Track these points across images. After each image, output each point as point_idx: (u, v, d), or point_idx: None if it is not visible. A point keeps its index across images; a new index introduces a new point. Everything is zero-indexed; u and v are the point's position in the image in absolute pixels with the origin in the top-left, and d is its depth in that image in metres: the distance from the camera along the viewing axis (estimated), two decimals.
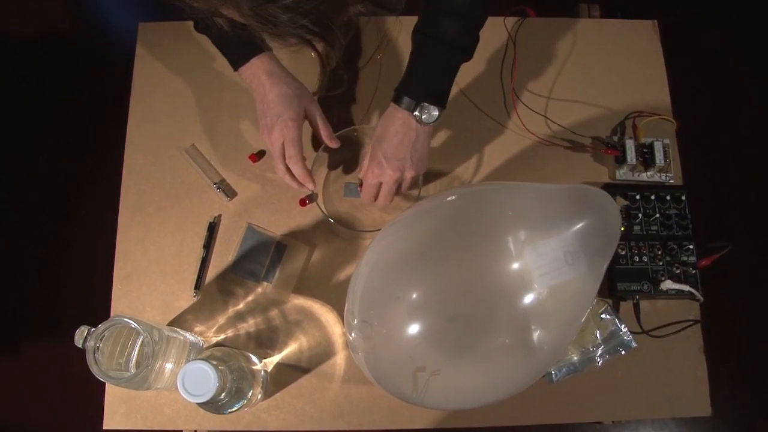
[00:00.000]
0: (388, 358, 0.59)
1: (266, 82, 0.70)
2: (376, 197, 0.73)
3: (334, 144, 0.74)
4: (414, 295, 0.57)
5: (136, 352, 0.61)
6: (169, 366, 0.63)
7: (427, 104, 0.67)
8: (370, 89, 0.86)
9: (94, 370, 0.56)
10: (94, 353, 0.57)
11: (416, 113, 0.67)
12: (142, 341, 0.60)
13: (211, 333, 0.76)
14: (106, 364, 0.58)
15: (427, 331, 0.56)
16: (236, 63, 0.72)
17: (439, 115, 0.68)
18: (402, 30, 0.89)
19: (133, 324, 0.58)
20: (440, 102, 0.68)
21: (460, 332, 0.56)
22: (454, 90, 0.86)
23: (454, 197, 0.63)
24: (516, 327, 0.56)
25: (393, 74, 0.86)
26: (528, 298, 0.55)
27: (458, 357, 0.57)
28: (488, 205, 0.60)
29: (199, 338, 0.74)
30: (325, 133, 0.74)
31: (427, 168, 0.81)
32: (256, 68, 0.71)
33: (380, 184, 0.72)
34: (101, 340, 0.58)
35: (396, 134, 0.68)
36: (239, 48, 0.71)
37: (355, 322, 0.60)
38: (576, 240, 0.56)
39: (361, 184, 0.80)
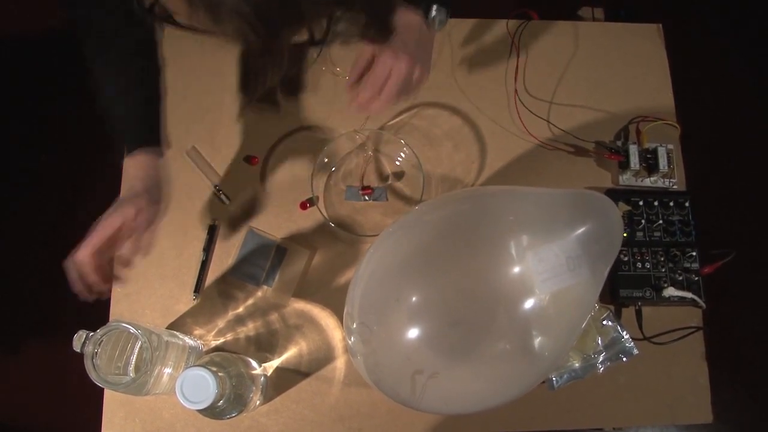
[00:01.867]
0: (386, 361, 0.58)
1: (132, 176, 0.66)
2: (378, 93, 0.64)
3: (130, 257, 0.64)
4: (413, 299, 0.56)
5: (134, 356, 0.61)
6: (168, 371, 0.62)
7: (440, 6, 0.67)
8: None
9: (93, 375, 0.56)
10: (93, 359, 0.56)
11: (431, 15, 0.67)
12: (141, 346, 0.59)
13: (210, 336, 0.75)
14: (105, 368, 0.58)
15: (426, 335, 0.56)
16: (128, 147, 0.67)
17: (446, 20, 0.68)
18: None
19: (132, 329, 0.57)
20: (448, 4, 0.68)
21: (460, 336, 0.56)
22: (457, 92, 0.86)
23: (455, 201, 0.62)
24: (516, 332, 0.56)
25: None
26: (529, 304, 0.54)
27: (457, 360, 0.56)
28: (490, 209, 0.59)
29: (199, 342, 0.74)
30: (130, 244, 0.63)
31: (429, 171, 0.81)
32: (136, 163, 0.67)
33: (389, 75, 0.64)
34: (99, 345, 0.57)
35: (413, 34, 0.65)
36: (132, 131, 0.68)
37: (355, 325, 0.60)
38: (578, 245, 0.55)
39: (362, 188, 0.80)
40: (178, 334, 0.71)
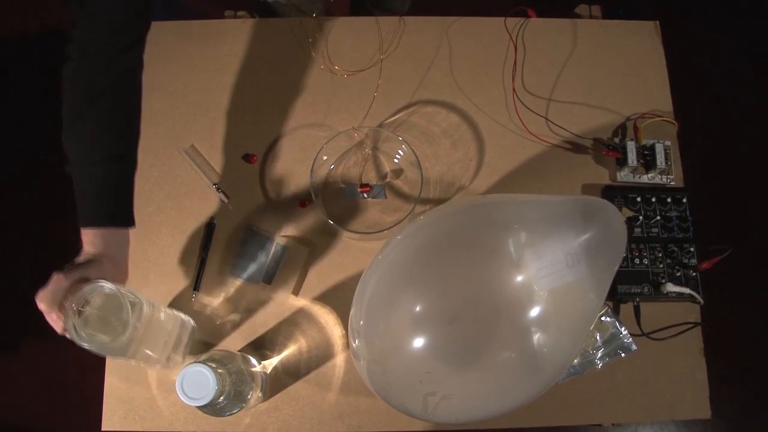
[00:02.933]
0: (397, 382, 0.59)
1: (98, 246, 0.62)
2: None
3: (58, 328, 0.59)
4: (423, 312, 0.57)
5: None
6: (161, 338, 0.61)
7: None
8: (370, 90, 0.85)
9: (72, 335, 0.55)
10: (75, 317, 0.55)
11: None
12: (124, 306, 0.57)
13: (209, 335, 0.76)
14: (92, 329, 0.57)
15: (433, 343, 0.56)
16: (85, 221, 0.63)
17: None
18: (405, 31, 0.88)
19: (109, 288, 0.56)
20: None
21: (466, 342, 0.56)
22: (455, 90, 0.86)
23: (460, 211, 0.63)
24: (520, 333, 0.56)
25: (394, 75, 0.86)
26: (534, 310, 0.55)
27: (468, 371, 0.57)
28: (494, 219, 0.60)
29: (190, 318, 0.73)
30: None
31: (427, 169, 0.82)
32: (91, 237, 0.62)
33: None
34: (85, 306, 0.56)
35: None
36: (85, 213, 0.63)
37: (360, 329, 0.60)
38: (581, 252, 0.56)
39: (361, 186, 0.80)
40: (173, 310, 0.70)
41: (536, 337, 0.55)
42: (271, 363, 0.75)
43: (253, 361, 0.71)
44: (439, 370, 0.56)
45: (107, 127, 0.63)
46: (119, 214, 0.65)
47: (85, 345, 0.56)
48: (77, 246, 0.63)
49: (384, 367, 0.59)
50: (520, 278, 0.55)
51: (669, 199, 0.79)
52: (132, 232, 0.79)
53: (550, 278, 0.54)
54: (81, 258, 0.62)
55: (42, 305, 0.58)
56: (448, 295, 0.57)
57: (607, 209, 0.59)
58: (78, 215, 0.63)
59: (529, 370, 0.57)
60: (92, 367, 0.82)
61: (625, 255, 0.77)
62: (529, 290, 0.54)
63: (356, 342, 0.61)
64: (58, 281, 0.58)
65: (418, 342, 0.55)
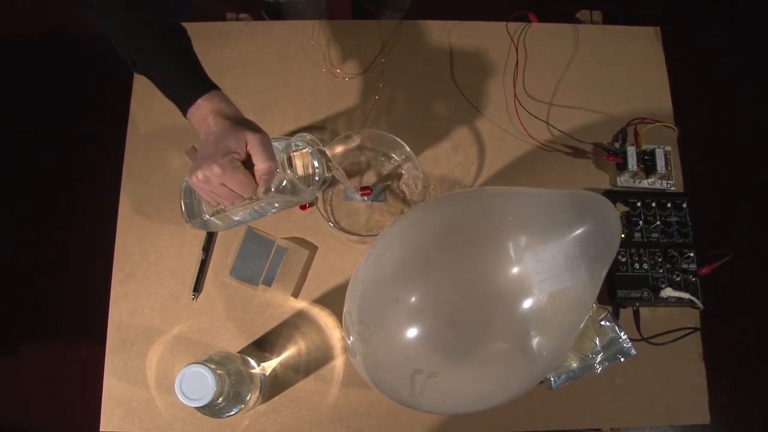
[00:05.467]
0: (385, 360, 0.58)
1: (212, 122, 0.59)
2: None
3: (263, 181, 0.57)
4: (412, 299, 0.56)
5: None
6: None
7: None
8: (371, 92, 0.86)
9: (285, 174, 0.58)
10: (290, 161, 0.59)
11: None
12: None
13: (208, 336, 0.76)
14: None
15: (425, 335, 0.56)
16: (184, 106, 0.60)
17: None
18: (406, 34, 0.89)
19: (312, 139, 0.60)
20: None
21: (459, 336, 0.56)
22: (456, 94, 0.86)
23: (454, 201, 0.63)
24: (514, 332, 0.56)
25: (395, 78, 0.86)
26: (527, 304, 0.55)
27: (456, 360, 0.57)
28: (488, 210, 0.60)
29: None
30: (261, 166, 0.56)
31: (427, 172, 0.82)
32: (203, 109, 0.60)
33: None
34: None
35: None
36: (184, 89, 0.61)
37: (354, 325, 0.60)
38: (576, 246, 0.56)
39: (361, 188, 0.80)
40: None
41: (528, 327, 0.55)
42: (270, 365, 0.75)
43: (253, 362, 0.71)
44: (429, 357, 0.56)
45: (159, 23, 0.62)
46: (205, 83, 0.62)
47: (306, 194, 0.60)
48: (77, 247, 0.63)
49: (373, 346, 0.59)
50: (517, 277, 0.55)
51: (669, 204, 0.79)
52: (131, 233, 0.80)
53: (549, 282, 0.54)
54: (232, 116, 0.59)
55: (272, 164, 0.56)
56: (441, 285, 0.57)
57: (601, 202, 0.60)
58: (185, 95, 0.60)
59: (519, 360, 0.57)
60: (91, 368, 0.83)
61: (624, 260, 0.77)
62: (522, 279, 0.54)
63: (351, 338, 0.61)
64: (264, 137, 0.57)
65: (411, 331, 0.55)
